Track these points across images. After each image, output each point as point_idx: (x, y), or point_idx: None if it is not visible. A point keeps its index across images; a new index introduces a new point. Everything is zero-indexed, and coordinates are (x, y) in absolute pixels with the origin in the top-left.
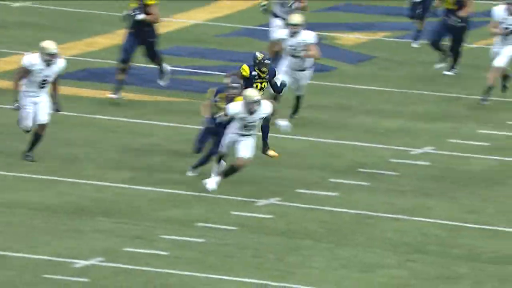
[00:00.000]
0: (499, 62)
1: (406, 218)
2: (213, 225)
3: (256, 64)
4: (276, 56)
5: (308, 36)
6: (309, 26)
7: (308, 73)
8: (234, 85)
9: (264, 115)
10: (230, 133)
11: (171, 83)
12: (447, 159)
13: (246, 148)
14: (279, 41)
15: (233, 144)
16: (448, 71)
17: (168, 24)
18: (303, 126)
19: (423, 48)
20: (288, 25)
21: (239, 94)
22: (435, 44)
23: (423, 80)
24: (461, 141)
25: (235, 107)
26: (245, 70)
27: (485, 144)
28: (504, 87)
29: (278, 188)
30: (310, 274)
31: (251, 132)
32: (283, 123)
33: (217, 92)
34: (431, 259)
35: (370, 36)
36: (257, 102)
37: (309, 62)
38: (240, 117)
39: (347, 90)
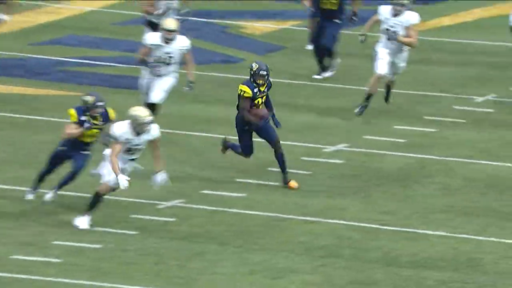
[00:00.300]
0: (382, 69)
1: (319, 220)
2: (111, 230)
3: (251, 75)
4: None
5: (185, 43)
6: (213, 14)
7: (169, 79)
8: (99, 103)
9: (152, 137)
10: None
11: (64, 75)
12: (361, 157)
13: (108, 173)
14: (149, 47)
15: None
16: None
17: (61, 11)
18: (208, 122)
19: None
20: (162, 30)
21: (104, 112)
22: (332, 49)
23: (337, 72)
24: (376, 138)
25: (121, 128)
26: (247, 91)
27: (401, 140)
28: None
29: (181, 189)
30: (215, 280)
31: (135, 156)
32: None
33: (79, 111)
34: (346, 263)
35: (279, 25)
36: (149, 123)
37: (174, 67)
38: (124, 140)
39: None
